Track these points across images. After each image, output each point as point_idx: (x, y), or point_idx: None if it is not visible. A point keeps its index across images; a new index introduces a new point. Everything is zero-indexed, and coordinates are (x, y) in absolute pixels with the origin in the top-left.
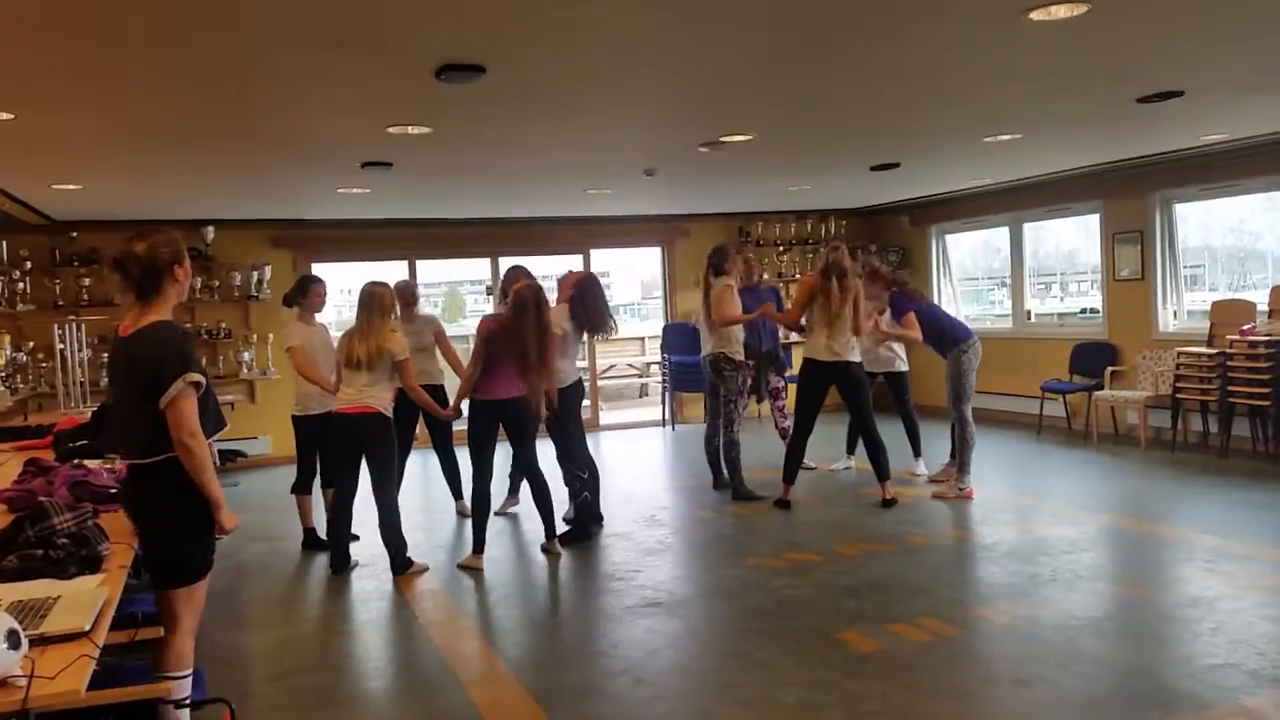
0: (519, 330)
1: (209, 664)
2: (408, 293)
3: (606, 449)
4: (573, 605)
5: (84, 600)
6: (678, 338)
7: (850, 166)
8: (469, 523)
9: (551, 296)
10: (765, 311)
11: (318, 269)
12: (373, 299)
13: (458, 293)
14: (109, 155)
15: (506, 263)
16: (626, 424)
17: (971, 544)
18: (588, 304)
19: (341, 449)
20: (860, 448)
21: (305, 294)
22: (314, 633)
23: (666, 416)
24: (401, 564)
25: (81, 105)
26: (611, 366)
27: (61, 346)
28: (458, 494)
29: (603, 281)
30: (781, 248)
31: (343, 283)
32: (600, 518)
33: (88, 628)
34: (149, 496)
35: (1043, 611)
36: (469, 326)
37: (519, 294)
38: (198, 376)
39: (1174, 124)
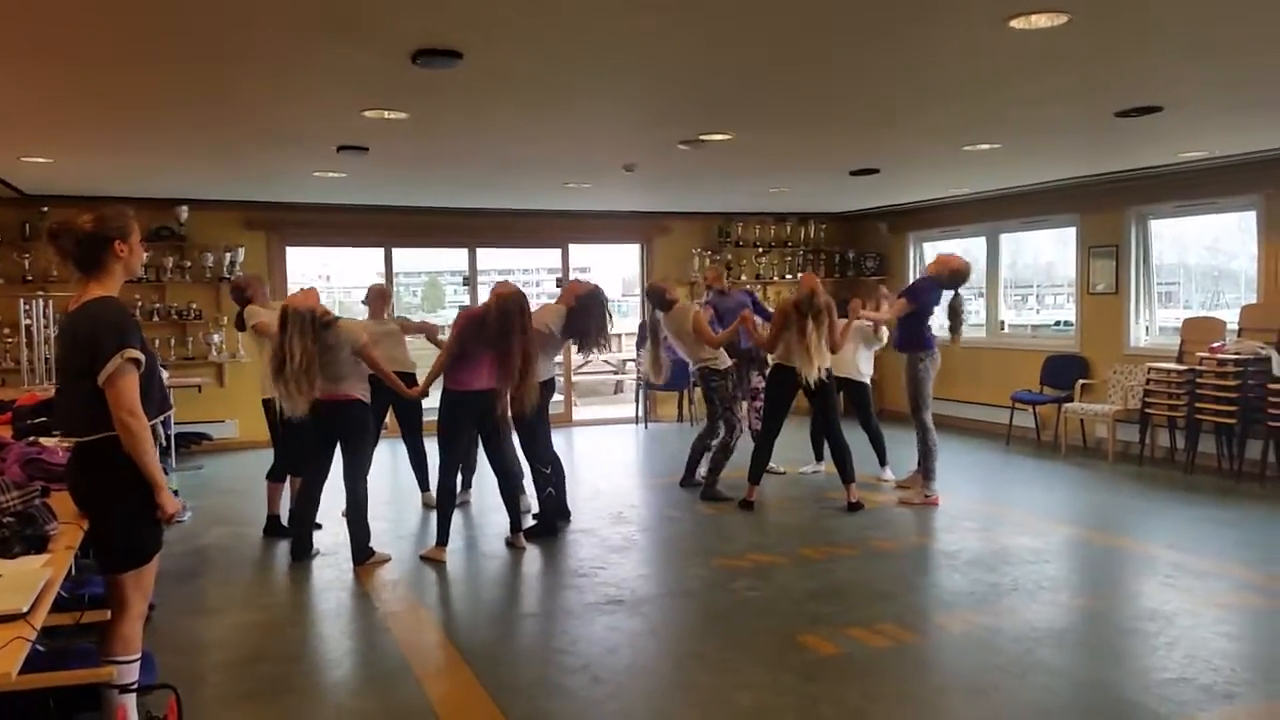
0: (504, 339)
1: (161, 650)
2: (386, 294)
3: (579, 444)
4: (534, 600)
5: (24, 581)
6: None
7: (830, 170)
8: (433, 514)
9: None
10: (743, 320)
11: (292, 253)
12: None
13: (438, 283)
14: (79, 129)
15: (485, 254)
16: (600, 420)
17: (935, 551)
18: (586, 316)
19: (320, 436)
20: (828, 451)
21: (248, 291)
22: (271, 621)
23: (640, 414)
24: (363, 553)
25: (51, 77)
26: (587, 362)
27: (28, 322)
28: (424, 485)
29: (582, 277)
30: (761, 249)
31: (321, 267)
32: (568, 513)
33: (25, 609)
34: (93, 477)
35: (1003, 621)
36: (447, 317)
37: (504, 301)
38: (136, 353)
39: (1152, 139)
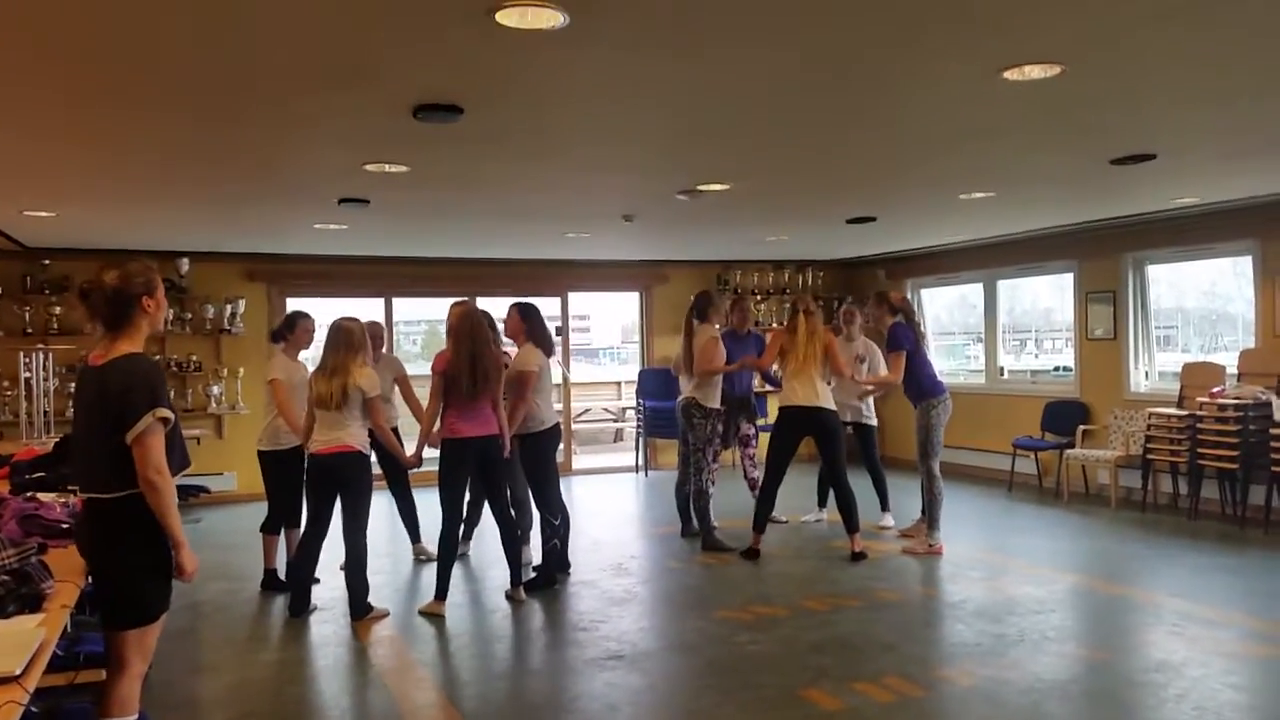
0: (457, 361)
1: (157, 709)
2: (376, 333)
3: (579, 493)
4: (534, 656)
5: (18, 641)
6: (653, 383)
7: (827, 219)
8: (430, 567)
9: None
10: (745, 364)
11: (293, 304)
12: (342, 334)
13: (437, 331)
14: (83, 183)
15: (485, 302)
16: (599, 469)
17: (939, 601)
18: (538, 328)
19: (319, 490)
20: (831, 499)
21: (293, 329)
22: (268, 678)
23: (640, 462)
24: (362, 609)
25: (56, 131)
26: (587, 410)
27: (27, 375)
28: (415, 536)
29: (581, 325)
30: (759, 296)
31: (319, 318)
32: (567, 565)
33: (18, 671)
34: (108, 533)
35: (1009, 673)
36: None
37: (466, 314)
38: (167, 412)
39: (1147, 186)
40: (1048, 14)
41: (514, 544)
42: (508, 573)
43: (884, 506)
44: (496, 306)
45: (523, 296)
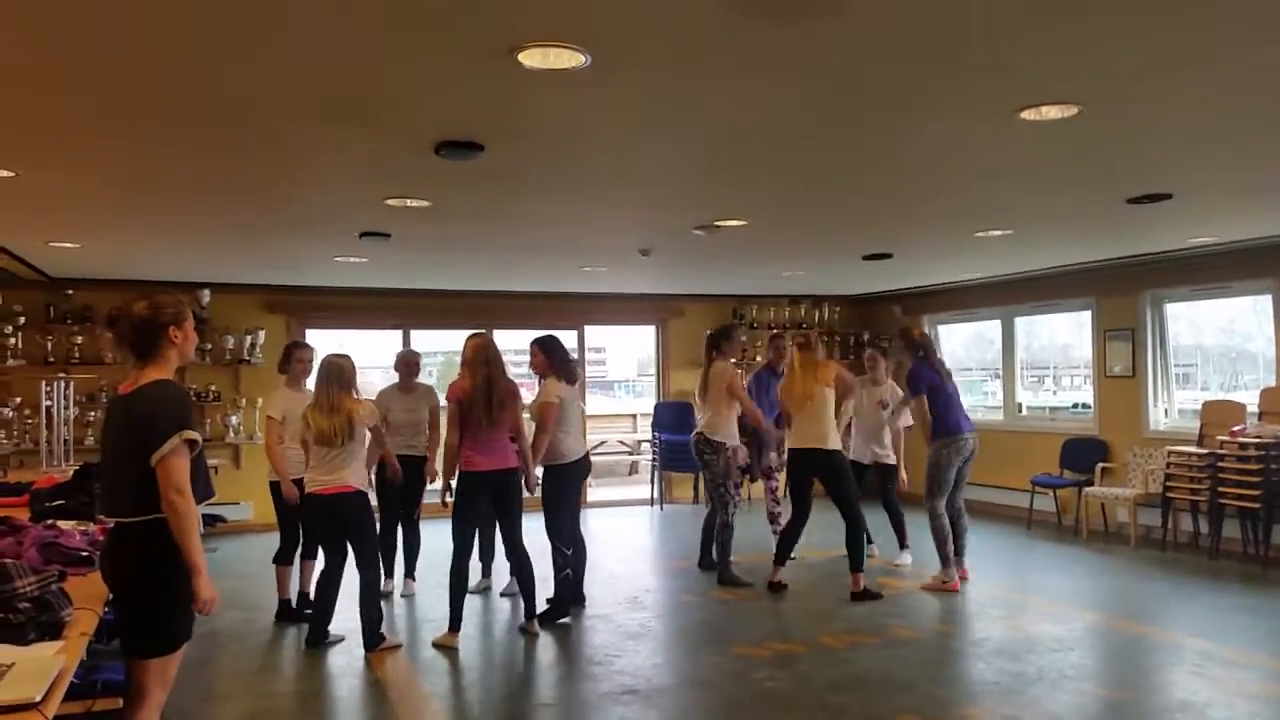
0: (472, 389)
1: None
2: (412, 362)
3: (594, 526)
4: (549, 690)
5: (39, 669)
6: (669, 416)
7: (843, 255)
8: (444, 599)
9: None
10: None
11: (312, 335)
12: (334, 370)
13: (454, 363)
14: (108, 215)
15: (501, 335)
16: (615, 501)
17: (958, 639)
18: (562, 359)
19: (322, 530)
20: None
21: (289, 360)
22: (283, 709)
23: (655, 496)
24: (375, 639)
25: (82, 165)
26: (602, 443)
27: (49, 403)
28: (410, 570)
29: (597, 358)
30: (775, 331)
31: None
32: (583, 598)
33: (39, 699)
34: (132, 558)
35: (1027, 713)
36: None
37: (470, 354)
38: (194, 434)
39: (1163, 225)
40: (1065, 56)
41: (529, 578)
42: (523, 606)
43: (901, 544)
44: (514, 339)
45: (539, 329)
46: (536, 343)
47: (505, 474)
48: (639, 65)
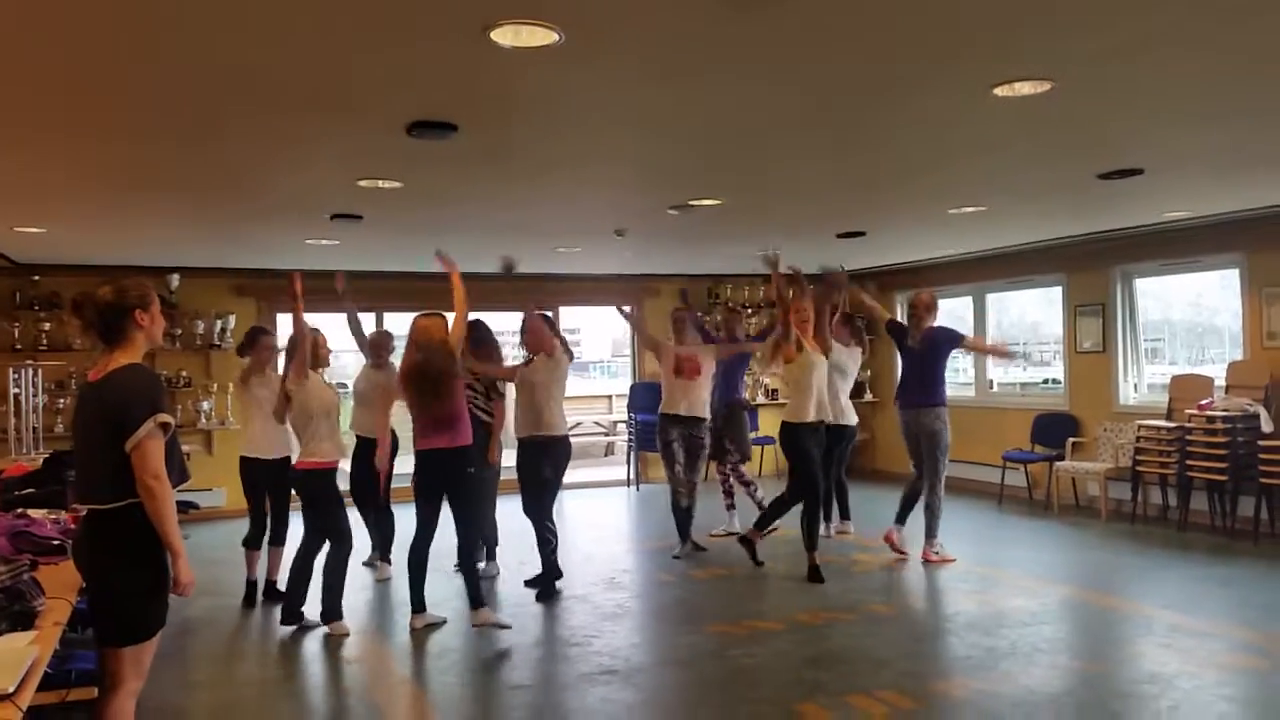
0: (403, 370)
1: None
2: (383, 344)
3: (570, 507)
4: (527, 672)
5: (11, 660)
6: (644, 397)
7: (818, 233)
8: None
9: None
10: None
11: (283, 319)
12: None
13: None
14: (73, 200)
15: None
16: (591, 482)
17: (931, 615)
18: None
19: (302, 502)
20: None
21: (253, 345)
22: (257, 695)
23: (631, 476)
24: (333, 613)
25: (46, 150)
26: (578, 424)
27: (16, 391)
28: (384, 553)
29: (572, 339)
30: (750, 310)
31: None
32: (559, 574)
33: (12, 690)
34: (106, 545)
35: (1001, 686)
36: None
37: (409, 334)
38: (167, 418)
39: (1134, 200)
40: (1039, 33)
41: (471, 568)
42: (502, 590)
43: (844, 515)
44: (490, 321)
45: (512, 311)
46: (547, 327)
47: (452, 452)
48: (612, 43)
